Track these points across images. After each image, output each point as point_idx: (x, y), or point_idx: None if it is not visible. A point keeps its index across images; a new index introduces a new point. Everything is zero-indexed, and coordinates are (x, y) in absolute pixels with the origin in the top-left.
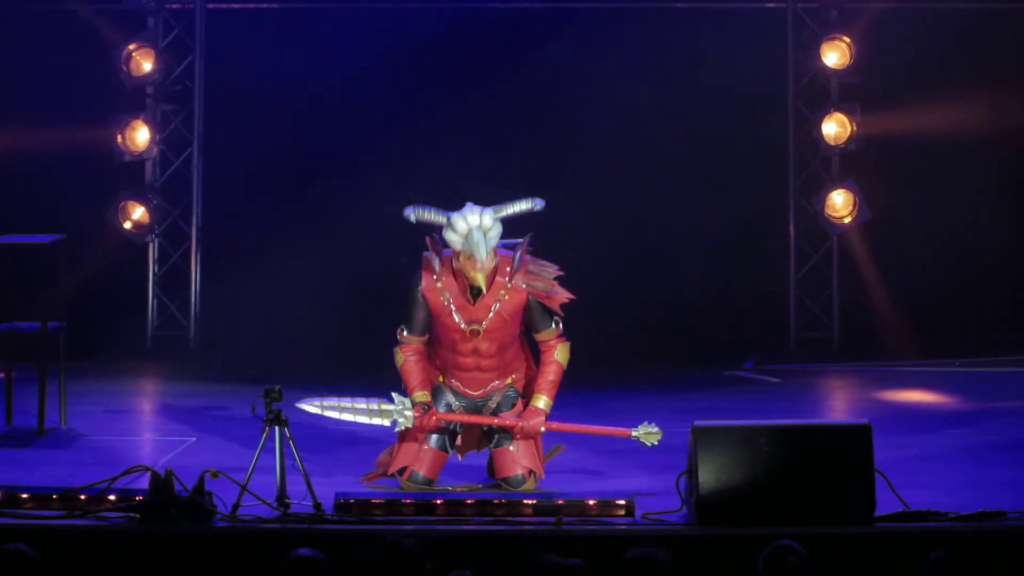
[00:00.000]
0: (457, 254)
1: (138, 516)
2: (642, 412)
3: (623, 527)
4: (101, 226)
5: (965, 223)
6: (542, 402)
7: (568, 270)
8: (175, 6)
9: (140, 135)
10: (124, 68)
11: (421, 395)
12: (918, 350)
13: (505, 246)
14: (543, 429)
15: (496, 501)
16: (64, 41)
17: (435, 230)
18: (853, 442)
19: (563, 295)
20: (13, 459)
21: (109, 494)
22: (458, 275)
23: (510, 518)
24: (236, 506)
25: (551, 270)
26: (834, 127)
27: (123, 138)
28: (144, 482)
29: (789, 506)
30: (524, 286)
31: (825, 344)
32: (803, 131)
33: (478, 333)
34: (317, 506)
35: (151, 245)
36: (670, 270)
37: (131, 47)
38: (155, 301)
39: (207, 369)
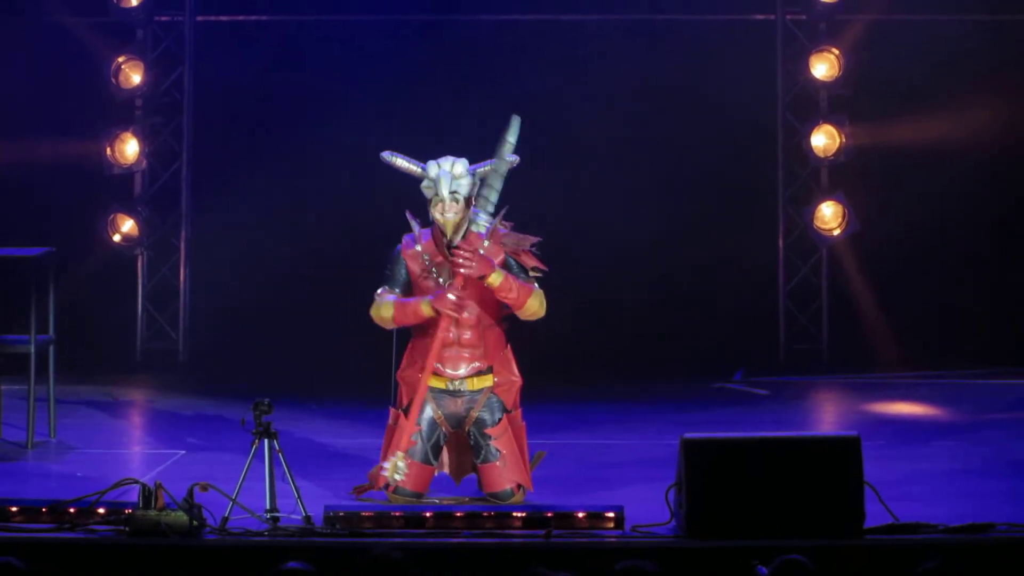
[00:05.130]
0: (430, 203)
1: (127, 529)
2: (631, 424)
3: (612, 539)
4: (90, 239)
5: (955, 234)
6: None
7: (555, 280)
8: (164, 18)
9: (129, 148)
10: (113, 80)
11: (425, 300)
12: (907, 362)
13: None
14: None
15: (485, 514)
16: (53, 54)
17: (408, 179)
18: (842, 454)
19: (535, 261)
20: (2, 472)
21: (98, 507)
22: (436, 236)
23: (499, 530)
24: (225, 519)
25: (528, 237)
26: (823, 139)
27: (112, 151)
28: (133, 495)
29: (778, 518)
30: (501, 244)
31: (814, 356)
32: (792, 143)
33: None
34: (307, 519)
35: (140, 258)
36: (658, 281)
37: (120, 59)
38: (144, 314)
39: (196, 382)
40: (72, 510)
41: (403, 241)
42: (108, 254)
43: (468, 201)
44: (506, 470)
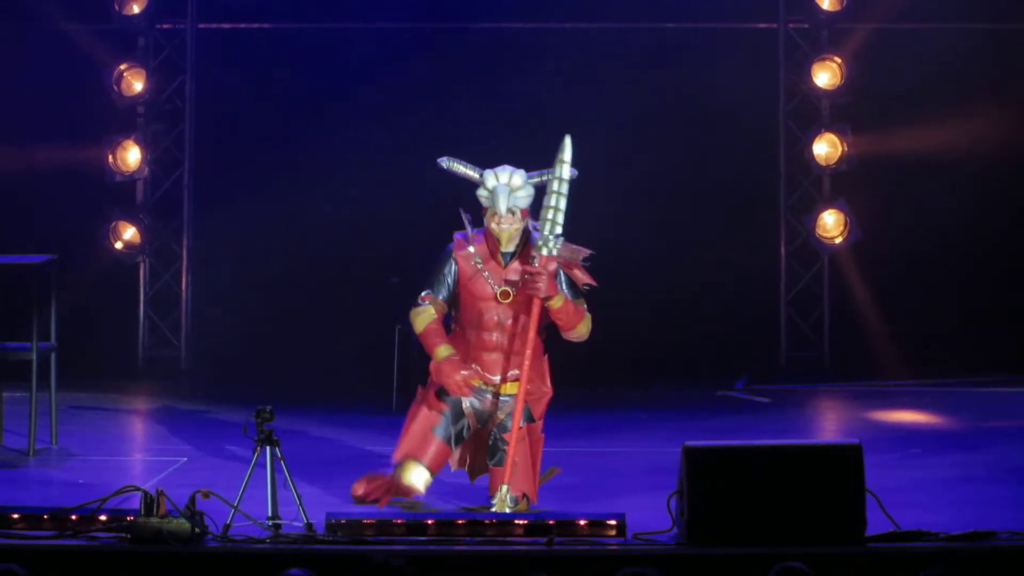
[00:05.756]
0: (485, 211)
1: (129, 537)
2: (633, 431)
3: (614, 547)
4: (92, 246)
5: (956, 243)
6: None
7: None
8: (166, 26)
9: (131, 155)
10: (115, 88)
11: (446, 349)
12: (909, 370)
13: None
14: (545, 285)
15: (487, 521)
16: (54, 61)
17: (464, 184)
18: (844, 462)
19: (586, 277)
20: (4, 479)
21: (100, 514)
22: (489, 240)
23: (501, 538)
24: (227, 526)
25: (582, 250)
26: (825, 147)
27: (114, 158)
28: (135, 502)
29: (780, 526)
30: (556, 256)
31: (816, 364)
32: (794, 151)
33: (508, 296)
34: (308, 526)
35: (142, 265)
36: (660, 290)
37: (122, 67)
38: (146, 321)
39: (198, 389)
40: (74, 517)
41: (455, 239)
42: (110, 261)
43: (524, 212)
44: (515, 478)
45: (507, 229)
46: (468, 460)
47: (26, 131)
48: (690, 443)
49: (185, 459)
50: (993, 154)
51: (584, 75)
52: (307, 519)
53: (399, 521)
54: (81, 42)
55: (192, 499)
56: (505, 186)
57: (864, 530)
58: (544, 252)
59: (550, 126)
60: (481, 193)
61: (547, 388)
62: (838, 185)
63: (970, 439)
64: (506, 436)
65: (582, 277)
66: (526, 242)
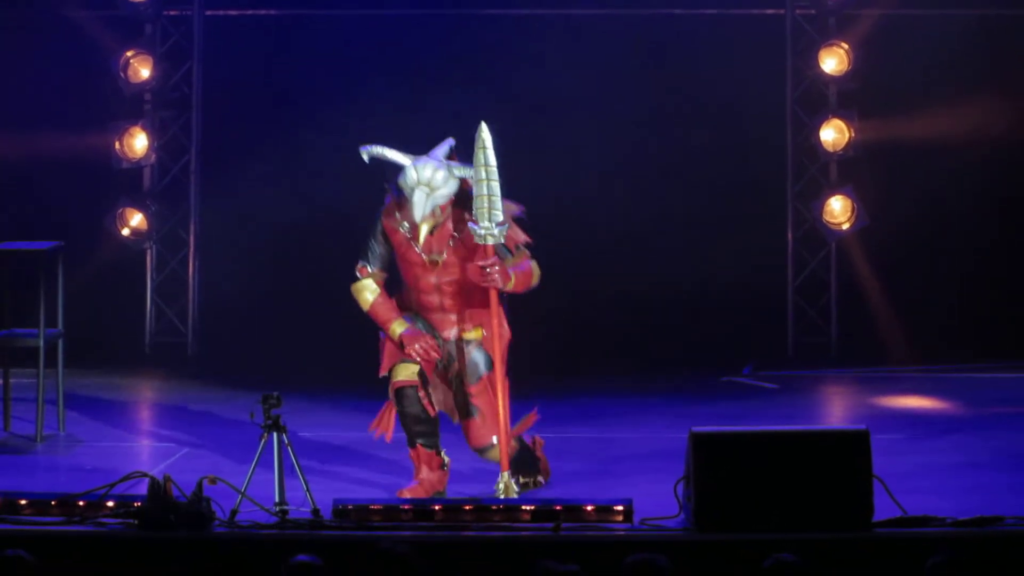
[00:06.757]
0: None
1: (136, 522)
2: (640, 417)
3: (621, 532)
4: (99, 233)
5: (963, 229)
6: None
7: (562, 274)
8: (173, 13)
9: (138, 142)
10: (122, 75)
11: (401, 324)
12: (916, 355)
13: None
14: (496, 273)
15: (494, 507)
16: (61, 48)
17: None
18: (851, 448)
19: (519, 236)
20: (12, 465)
21: (107, 500)
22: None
23: (508, 524)
24: (234, 512)
25: (511, 205)
26: (832, 133)
27: (121, 145)
28: (142, 488)
29: (787, 512)
30: (501, 241)
31: (823, 350)
32: (801, 137)
33: (437, 263)
34: (315, 512)
35: (149, 252)
36: (667, 275)
37: (129, 54)
38: (153, 308)
39: (205, 375)
40: (81, 503)
41: (385, 203)
42: (117, 248)
43: (444, 208)
44: (485, 427)
45: (426, 228)
46: (448, 404)
47: (33, 118)
48: (697, 429)
49: (192, 445)
50: (1000, 139)
51: (590, 62)
52: (314, 505)
53: (406, 507)
54: (88, 29)
55: (199, 485)
56: (424, 187)
57: (871, 516)
58: (491, 242)
59: (555, 114)
60: (402, 183)
61: (504, 330)
62: (845, 171)
63: (977, 425)
64: (469, 389)
65: (515, 237)
66: (461, 212)
